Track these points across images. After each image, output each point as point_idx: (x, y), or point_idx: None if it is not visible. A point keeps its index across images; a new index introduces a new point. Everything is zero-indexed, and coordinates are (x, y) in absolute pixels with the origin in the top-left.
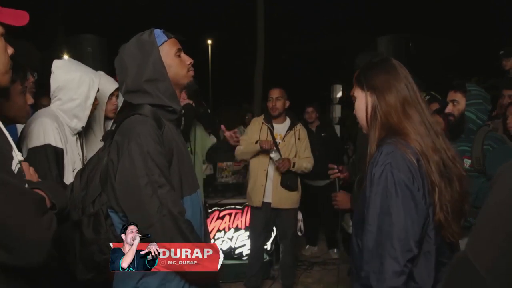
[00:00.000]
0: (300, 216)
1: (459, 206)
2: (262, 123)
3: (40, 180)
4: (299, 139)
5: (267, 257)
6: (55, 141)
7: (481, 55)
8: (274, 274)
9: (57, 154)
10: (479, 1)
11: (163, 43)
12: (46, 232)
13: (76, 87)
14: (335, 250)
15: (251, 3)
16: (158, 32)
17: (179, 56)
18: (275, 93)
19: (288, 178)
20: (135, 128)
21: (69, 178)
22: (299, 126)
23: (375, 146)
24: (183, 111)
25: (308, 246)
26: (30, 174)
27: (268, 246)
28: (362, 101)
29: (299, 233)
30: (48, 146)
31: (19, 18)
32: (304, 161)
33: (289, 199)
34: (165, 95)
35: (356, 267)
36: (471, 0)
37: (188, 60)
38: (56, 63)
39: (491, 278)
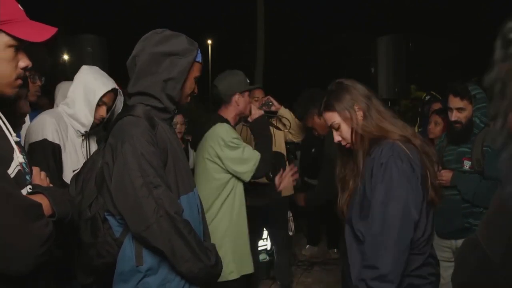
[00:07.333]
0: (290, 215)
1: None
2: (242, 124)
3: (50, 185)
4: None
5: (267, 257)
6: (52, 137)
7: (481, 55)
8: (274, 274)
9: (53, 149)
10: (479, 1)
11: (198, 62)
12: (35, 239)
13: (82, 93)
14: (335, 250)
15: (251, 3)
16: (199, 51)
17: (195, 82)
18: (259, 93)
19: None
20: (128, 130)
21: (69, 177)
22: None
23: (364, 155)
24: (176, 110)
25: (308, 246)
26: (40, 178)
27: (268, 246)
28: (344, 124)
29: (290, 233)
30: (45, 141)
31: (37, 34)
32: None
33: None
34: (168, 91)
35: (348, 262)
36: (471, 0)
37: (195, 89)
38: (81, 68)
39: (500, 263)
